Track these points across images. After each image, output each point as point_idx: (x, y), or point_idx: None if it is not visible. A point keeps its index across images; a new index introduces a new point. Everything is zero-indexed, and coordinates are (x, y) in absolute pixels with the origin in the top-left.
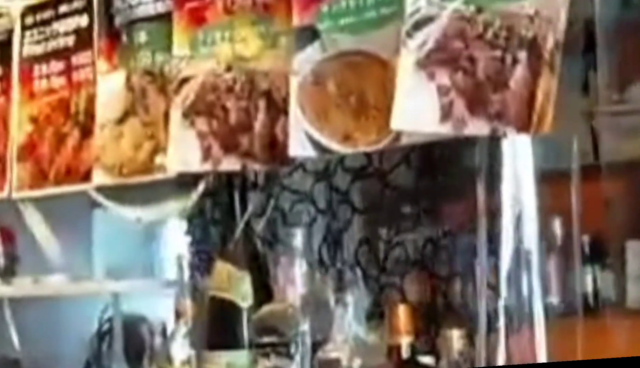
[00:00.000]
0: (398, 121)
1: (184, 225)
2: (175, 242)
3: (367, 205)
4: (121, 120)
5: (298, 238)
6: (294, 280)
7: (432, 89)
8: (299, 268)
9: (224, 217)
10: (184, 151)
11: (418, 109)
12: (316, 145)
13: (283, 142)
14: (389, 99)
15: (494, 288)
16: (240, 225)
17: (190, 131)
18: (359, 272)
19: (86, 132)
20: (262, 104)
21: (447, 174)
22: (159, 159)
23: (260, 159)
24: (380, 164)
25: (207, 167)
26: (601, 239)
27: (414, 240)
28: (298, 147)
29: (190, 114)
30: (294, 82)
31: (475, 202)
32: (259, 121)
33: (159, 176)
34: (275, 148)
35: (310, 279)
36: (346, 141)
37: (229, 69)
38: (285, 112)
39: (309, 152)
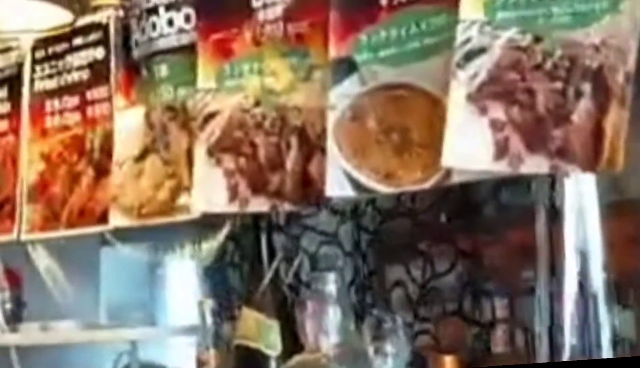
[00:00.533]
0: (449, 158)
1: (193, 266)
2: (187, 285)
3: (399, 247)
4: (140, 158)
5: (331, 283)
6: (327, 328)
7: (485, 123)
8: (333, 316)
9: (249, 260)
10: (209, 190)
11: (470, 146)
12: (355, 184)
13: (317, 180)
14: (435, 135)
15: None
16: (270, 271)
17: (216, 169)
18: (398, 319)
19: (102, 170)
20: (294, 140)
21: (483, 213)
22: (182, 199)
23: (292, 199)
24: (413, 202)
25: (234, 207)
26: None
27: (450, 284)
28: (335, 186)
29: (216, 151)
30: (331, 117)
31: (514, 241)
32: (291, 159)
33: (181, 217)
34: (308, 187)
35: (345, 327)
36: (388, 180)
37: (257, 103)
38: (321, 149)
39: (347, 191)
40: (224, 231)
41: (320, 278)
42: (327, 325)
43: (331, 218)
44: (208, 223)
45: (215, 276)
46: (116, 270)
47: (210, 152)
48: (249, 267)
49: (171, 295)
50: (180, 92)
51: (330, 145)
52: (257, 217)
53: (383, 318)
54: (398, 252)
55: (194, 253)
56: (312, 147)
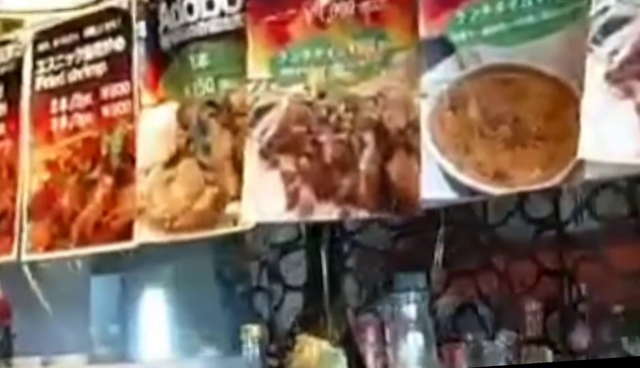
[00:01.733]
0: (587, 150)
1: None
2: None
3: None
4: (172, 163)
5: (410, 306)
6: (406, 357)
7: (631, 107)
8: (414, 344)
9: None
10: (263, 197)
11: (613, 134)
12: (456, 185)
13: (398, 183)
14: (559, 125)
15: None
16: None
17: (272, 172)
18: (500, 343)
19: (122, 178)
20: (369, 137)
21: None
22: (230, 208)
23: (367, 205)
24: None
25: (294, 216)
26: None
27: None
28: (433, 188)
29: (271, 151)
30: (425, 108)
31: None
32: (365, 158)
33: (226, 230)
34: (387, 191)
35: (425, 355)
36: (498, 179)
37: (322, 95)
38: (404, 147)
39: (447, 194)
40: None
41: (394, 300)
42: (407, 354)
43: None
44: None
45: (236, 302)
46: (108, 300)
47: (264, 153)
48: (306, 288)
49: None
50: (223, 85)
51: (425, 139)
52: (315, 230)
53: (480, 343)
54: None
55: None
56: (392, 144)
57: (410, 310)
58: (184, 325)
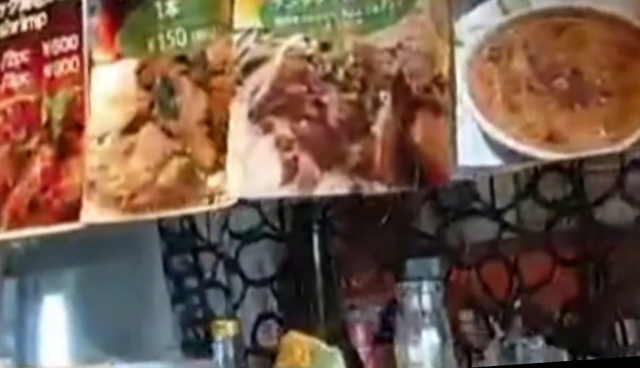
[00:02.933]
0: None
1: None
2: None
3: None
4: (130, 129)
5: (424, 296)
6: (419, 356)
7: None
8: (428, 341)
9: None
10: (253, 168)
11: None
12: (499, 148)
13: (423, 149)
14: (629, 78)
15: None
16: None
17: (264, 138)
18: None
19: (66, 148)
20: (384, 95)
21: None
22: (203, 182)
23: (385, 177)
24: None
25: (292, 190)
26: None
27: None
28: (470, 153)
29: (263, 113)
30: (460, 57)
31: None
32: (381, 120)
33: (200, 208)
34: (408, 159)
35: (441, 354)
36: (552, 142)
37: (325, 46)
38: (431, 106)
39: (489, 159)
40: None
41: (408, 289)
42: (418, 354)
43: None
44: None
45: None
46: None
47: (255, 115)
48: (296, 279)
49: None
50: (197, 37)
51: (461, 94)
52: (303, 209)
53: (515, 342)
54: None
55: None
56: (415, 102)
57: (423, 302)
58: (90, 334)
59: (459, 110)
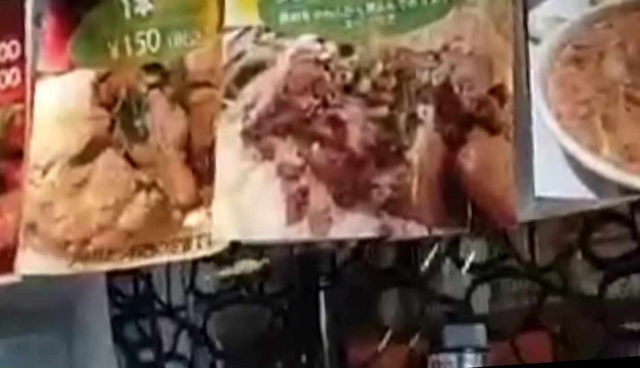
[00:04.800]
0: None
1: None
2: None
3: None
4: (84, 158)
5: None
6: None
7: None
8: None
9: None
10: (248, 203)
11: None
12: (590, 178)
13: (480, 181)
14: None
15: None
16: None
17: (263, 166)
18: None
19: (0, 182)
20: (424, 110)
21: None
22: (191, 221)
23: (425, 217)
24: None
25: (301, 232)
26: None
27: None
28: (551, 182)
29: (262, 133)
30: (536, 56)
31: None
32: (419, 143)
33: (171, 257)
34: (457, 194)
35: None
36: None
37: (345, 49)
38: (488, 124)
39: (576, 191)
40: None
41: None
42: None
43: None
44: None
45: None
46: None
47: (250, 136)
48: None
49: None
50: (175, 40)
51: (537, 105)
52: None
53: None
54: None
55: None
56: (467, 120)
57: None
58: None
59: (534, 127)
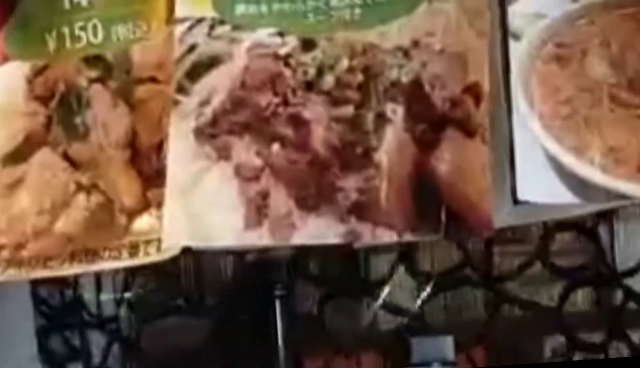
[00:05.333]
0: None
1: None
2: None
3: None
4: (16, 158)
5: None
6: None
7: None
8: None
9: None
10: (203, 206)
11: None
12: (574, 181)
13: (455, 184)
14: None
15: None
16: None
17: (219, 166)
18: None
19: None
20: (392, 109)
21: None
22: (138, 225)
23: (395, 221)
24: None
25: (261, 237)
26: None
27: None
28: (532, 185)
29: (217, 131)
30: (518, 55)
31: None
32: (388, 144)
33: (114, 263)
34: (429, 197)
35: None
36: None
37: (307, 44)
38: (462, 124)
39: (561, 195)
40: None
41: None
42: None
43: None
44: None
45: None
46: None
47: (205, 134)
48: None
49: None
50: (120, 31)
51: (516, 104)
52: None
53: None
54: None
55: None
56: (440, 120)
57: None
58: None
59: (515, 128)
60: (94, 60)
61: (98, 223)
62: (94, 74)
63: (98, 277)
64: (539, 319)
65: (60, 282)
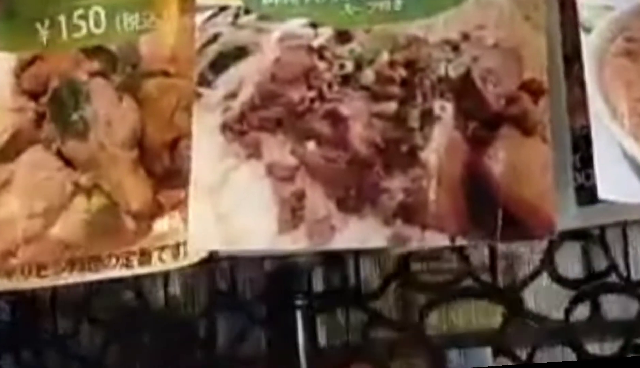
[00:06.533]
0: None
1: None
2: None
3: None
4: (4, 156)
5: None
6: None
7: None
8: None
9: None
10: (232, 208)
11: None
12: None
13: (511, 186)
14: None
15: None
16: None
17: (249, 165)
18: None
19: None
20: (441, 106)
21: None
22: (149, 229)
23: (448, 226)
24: None
25: (297, 241)
26: None
27: None
28: (613, 185)
29: (246, 127)
30: (589, 47)
31: None
32: (436, 143)
33: (130, 271)
34: (482, 200)
35: None
36: None
37: (342, 36)
38: (519, 123)
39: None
40: None
41: None
42: None
43: None
44: None
45: None
46: None
47: (233, 130)
48: None
49: None
50: (124, 22)
51: (592, 99)
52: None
53: None
54: None
55: None
56: (493, 118)
57: None
58: None
59: (592, 125)
60: (95, 51)
61: (102, 228)
62: (95, 66)
63: (54, 290)
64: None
65: (12, 295)
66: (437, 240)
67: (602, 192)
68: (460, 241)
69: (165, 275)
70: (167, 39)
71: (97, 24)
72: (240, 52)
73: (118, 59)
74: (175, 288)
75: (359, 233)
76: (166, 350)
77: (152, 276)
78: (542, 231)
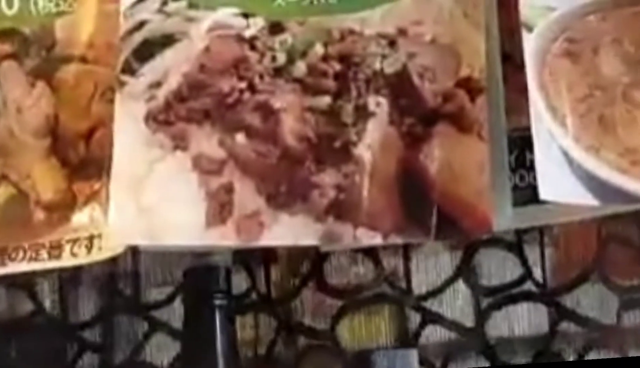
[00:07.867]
0: None
1: None
2: None
3: None
4: None
5: None
6: None
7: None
8: None
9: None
10: (156, 201)
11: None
12: (594, 183)
13: (446, 183)
14: None
15: None
16: None
17: (174, 157)
18: None
19: None
20: (376, 102)
21: None
22: (61, 221)
23: (381, 224)
24: None
25: (224, 237)
26: None
27: None
28: (552, 184)
29: (172, 117)
30: (530, 48)
31: None
32: (370, 138)
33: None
34: (417, 197)
35: None
36: None
37: (275, 27)
38: (455, 120)
39: (580, 197)
40: None
41: None
42: None
43: None
44: None
45: None
46: None
47: (157, 120)
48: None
49: None
50: (39, 4)
51: (533, 99)
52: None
53: None
54: None
55: None
56: (429, 115)
57: None
58: None
59: (532, 124)
60: (7, 33)
61: (9, 220)
62: (6, 49)
63: None
64: None
65: None
66: (370, 238)
67: (543, 193)
68: (393, 239)
69: (60, 277)
70: (86, 23)
71: (10, 5)
72: (167, 40)
73: (32, 43)
74: (69, 290)
75: (289, 230)
76: (57, 356)
77: (45, 276)
78: (478, 230)
